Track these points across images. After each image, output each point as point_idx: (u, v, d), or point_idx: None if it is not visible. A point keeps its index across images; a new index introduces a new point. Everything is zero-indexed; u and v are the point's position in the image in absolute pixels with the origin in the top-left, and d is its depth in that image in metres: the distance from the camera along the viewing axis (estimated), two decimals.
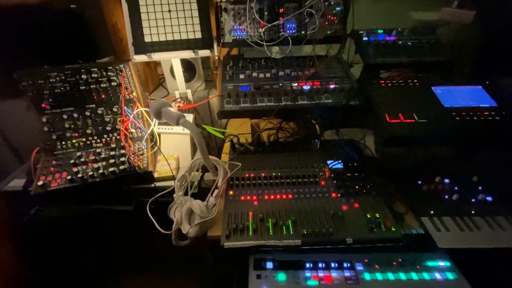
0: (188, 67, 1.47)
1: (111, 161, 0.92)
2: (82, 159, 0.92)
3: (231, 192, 0.85)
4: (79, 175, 0.87)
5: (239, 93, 0.97)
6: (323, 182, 0.87)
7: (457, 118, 0.83)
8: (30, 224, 0.99)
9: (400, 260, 0.80)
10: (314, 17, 1.04)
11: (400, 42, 1.13)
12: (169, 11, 1.00)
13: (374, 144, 1.01)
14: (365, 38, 1.16)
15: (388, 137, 0.82)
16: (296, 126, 1.09)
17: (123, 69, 0.99)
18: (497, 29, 0.90)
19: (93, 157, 0.93)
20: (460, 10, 1.02)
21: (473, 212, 0.79)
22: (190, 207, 0.80)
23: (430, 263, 0.80)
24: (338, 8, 1.06)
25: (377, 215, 0.77)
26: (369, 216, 0.77)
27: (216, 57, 1.14)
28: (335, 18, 1.07)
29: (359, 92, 0.96)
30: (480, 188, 0.84)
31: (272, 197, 0.83)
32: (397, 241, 0.73)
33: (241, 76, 1.04)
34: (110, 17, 1.30)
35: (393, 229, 0.74)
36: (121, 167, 0.90)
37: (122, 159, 0.92)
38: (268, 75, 1.04)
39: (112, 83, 0.98)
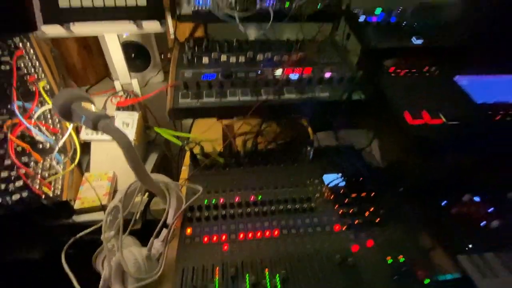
0: (140, 52, 1.15)
1: (1, 187, 0.59)
2: None
3: (188, 230, 0.57)
4: None
5: (200, 83, 0.69)
6: (321, 209, 0.62)
7: (496, 118, 0.62)
8: None
9: None
10: None
11: (404, 24, 0.92)
12: None
13: (380, 152, 0.79)
14: (361, 19, 0.92)
15: (410, 145, 0.59)
16: (280, 128, 0.83)
17: (20, 45, 0.66)
18: None
19: None
20: None
21: None
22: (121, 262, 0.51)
23: None
24: None
25: (401, 258, 0.54)
26: (390, 261, 0.53)
27: (172, 36, 0.84)
28: None
29: (364, 82, 0.72)
30: None
31: (250, 235, 0.57)
32: None
33: (205, 60, 0.76)
34: None
35: (426, 281, 0.51)
36: (15, 196, 0.57)
37: (19, 183, 0.60)
38: (242, 59, 0.77)
39: (3, 66, 0.64)
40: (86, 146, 0.77)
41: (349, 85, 0.71)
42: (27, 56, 0.65)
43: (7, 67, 0.64)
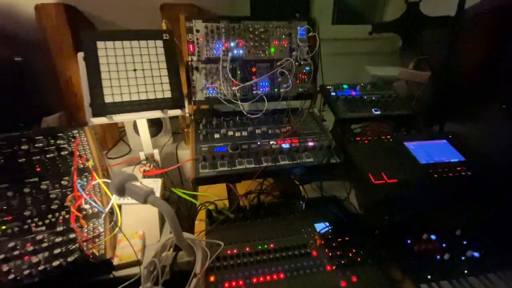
0: (154, 121, 1.37)
1: (56, 250, 0.73)
2: (17, 252, 0.71)
3: (211, 279, 0.72)
4: (10, 276, 0.67)
5: (215, 155, 0.89)
6: (315, 253, 0.79)
7: (435, 176, 0.85)
8: None
9: None
10: (286, 76, 1.05)
11: (365, 97, 1.20)
12: (135, 70, 0.93)
13: (357, 199, 0.99)
14: (333, 94, 1.20)
15: (376, 200, 0.80)
16: (276, 184, 1.03)
17: (77, 135, 0.85)
18: (451, 88, 1.00)
19: (31, 248, 0.73)
20: (415, 71, 1.13)
21: (466, 271, 0.77)
22: None
23: None
24: (307, 68, 1.09)
25: None
26: None
27: (187, 115, 1.07)
28: (305, 77, 1.10)
29: (338, 149, 0.95)
30: (465, 242, 0.84)
31: (261, 279, 0.72)
32: None
33: (216, 136, 0.98)
34: (63, 72, 1.18)
35: None
36: (70, 258, 0.71)
37: (72, 246, 0.74)
38: (244, 133, 0.99)
39: (62, 152, 0.82)
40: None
41: (327, 152, 0.93)
42: (81, 143, 0.84)
43: (66, 152, 0.82)
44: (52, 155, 0.81)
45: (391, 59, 1.70)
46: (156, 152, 1.05)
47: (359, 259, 0.78)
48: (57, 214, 0.80)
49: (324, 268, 0.75)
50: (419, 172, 0.86)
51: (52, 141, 0.81)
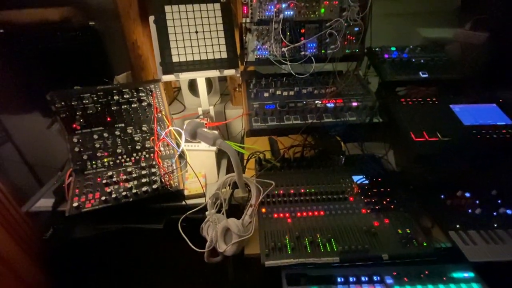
0: (206, 81, 1.50)
1: (143, 180, 0.93)
2: (114, 179, 0.93)
3: (263, 210, 0.88)
4: (113, 195, 0.89)
5: (265, 112, 1.00)
6: (351, 198, 0.90)
7: (478, 136, 0.87)
8: (56, 244, 0.99)
9: (427, 272, 0.82)
10: (334, 37, 1.08)
11: (413, 60, 1.18)
12: (196, 32, 1.03)
13: (395, 159, 1.05)
14: (380, 56, 1.20)
15: (414, 156, 0.86)
16: (317, 141, 1.12)
17: (153, 89, 1.01)
18: (509, 51, 0.96)
19: (124, 177, 0.94)
20: (473, 32, 1.08)
21: (495, 225, 0.83)
22: (226, 226, 0.82)
23: (455, 275, 0.83)
24: (356, 29, 1.11)
25: (408, 231, 0.80)
26: (400, 232, 0.80)
27: (238, 75, 1.17)
28: (353, 38, 1.12)
29: (381, 109, 1.00)
30: (499, 201, 0.89)
31: (304, 214, 0.86)
32: (429, 255, 0.76)
33: (266, 94, 1.08)
34: (130, 35, 1.32)
35: (425, 244, 0.77)
36: (154, 186, 0.91)
37: (154, 178, 0.94)
38: (291, 93, 1.08)
39: (142, 103, 1.00)
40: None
41: (370, 112, 0.99)
42: (156, 96, 1.01)
43: (145, 103, 1.00)
44: (135, 105, 0.99)
45: (444, 21, 1.59)
46: (211, 109, 1.19)
47: (392, 207, 0.88)
48: (139, 153, 1.00)
49: (360, 211, 0.87)
50: (461, 132, 0.89)
51: (135, 93, 0.99)
